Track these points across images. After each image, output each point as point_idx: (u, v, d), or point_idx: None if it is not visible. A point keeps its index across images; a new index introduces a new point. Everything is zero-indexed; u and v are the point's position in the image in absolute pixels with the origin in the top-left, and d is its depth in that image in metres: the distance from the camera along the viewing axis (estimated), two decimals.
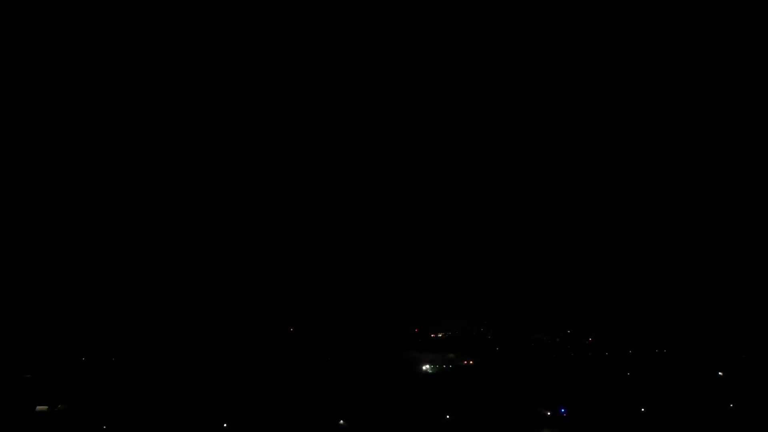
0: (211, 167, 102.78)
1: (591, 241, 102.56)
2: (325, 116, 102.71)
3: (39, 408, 74.81)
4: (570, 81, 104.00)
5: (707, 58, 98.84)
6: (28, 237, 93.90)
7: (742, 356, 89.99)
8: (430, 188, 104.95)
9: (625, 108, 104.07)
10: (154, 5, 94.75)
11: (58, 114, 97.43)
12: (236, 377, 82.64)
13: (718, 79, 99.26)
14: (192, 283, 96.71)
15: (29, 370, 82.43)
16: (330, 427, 72.77)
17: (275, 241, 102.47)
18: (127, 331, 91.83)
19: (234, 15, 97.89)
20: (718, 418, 73.76)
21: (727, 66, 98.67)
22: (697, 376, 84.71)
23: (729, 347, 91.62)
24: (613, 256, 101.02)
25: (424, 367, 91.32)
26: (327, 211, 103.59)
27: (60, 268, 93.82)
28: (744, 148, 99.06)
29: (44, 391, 77.68)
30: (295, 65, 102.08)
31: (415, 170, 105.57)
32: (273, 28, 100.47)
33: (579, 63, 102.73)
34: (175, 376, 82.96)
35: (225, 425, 70.82)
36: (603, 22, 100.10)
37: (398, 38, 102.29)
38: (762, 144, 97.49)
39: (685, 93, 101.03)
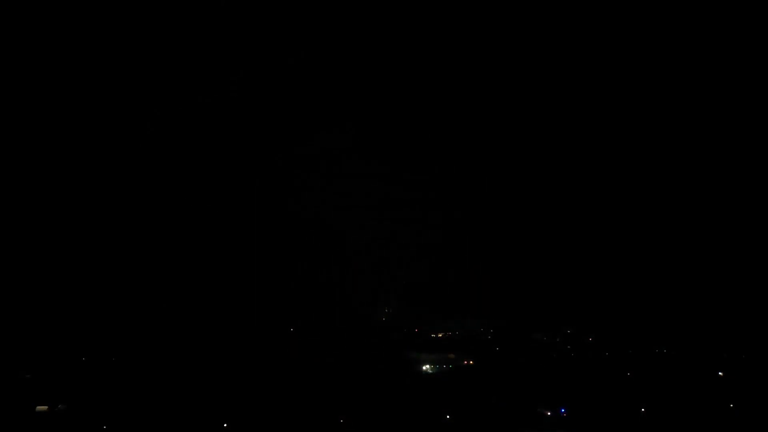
0: (211, 167, 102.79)
1: (591, 241, 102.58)
2: (327, 120, 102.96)
3: (39, 408, 74.78)
4: (565, 82, 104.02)
5: (707, 58, 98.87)
6: (28, 237, 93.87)
7: (742, 356, 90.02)
8: (429, 188, 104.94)
9: (625, 107, 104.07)
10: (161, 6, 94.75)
11: (58, 114, 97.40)
12: (236, 377, 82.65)
13: (718, 79, 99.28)
14: (192, 283, 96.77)
15: (29, 370, 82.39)
16: (330, 427, 72.80)
17: (275, 240, 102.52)
18: (127, 331, 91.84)
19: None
20: (718, 418, 73.84)
21: (727, 66, 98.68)
22: (697, 376, 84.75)
23: (729, 347, 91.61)
24: (613, 256, 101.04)
25: (424, 367, 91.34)
26: (326, 210, 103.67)
27: (60, 268, 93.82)
28: (744, 148, 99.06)
29: (44, 391, 77.66)
30: (300, 69, 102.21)
31: (415, 170, 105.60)
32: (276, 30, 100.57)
33: (574, 63, 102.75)
34: (176, 375, 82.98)
35: (225, 425, 70.86)
36: (603, 22, 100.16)
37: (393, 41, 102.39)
38: (762, 144, 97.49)
39: (685, 93, 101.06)
